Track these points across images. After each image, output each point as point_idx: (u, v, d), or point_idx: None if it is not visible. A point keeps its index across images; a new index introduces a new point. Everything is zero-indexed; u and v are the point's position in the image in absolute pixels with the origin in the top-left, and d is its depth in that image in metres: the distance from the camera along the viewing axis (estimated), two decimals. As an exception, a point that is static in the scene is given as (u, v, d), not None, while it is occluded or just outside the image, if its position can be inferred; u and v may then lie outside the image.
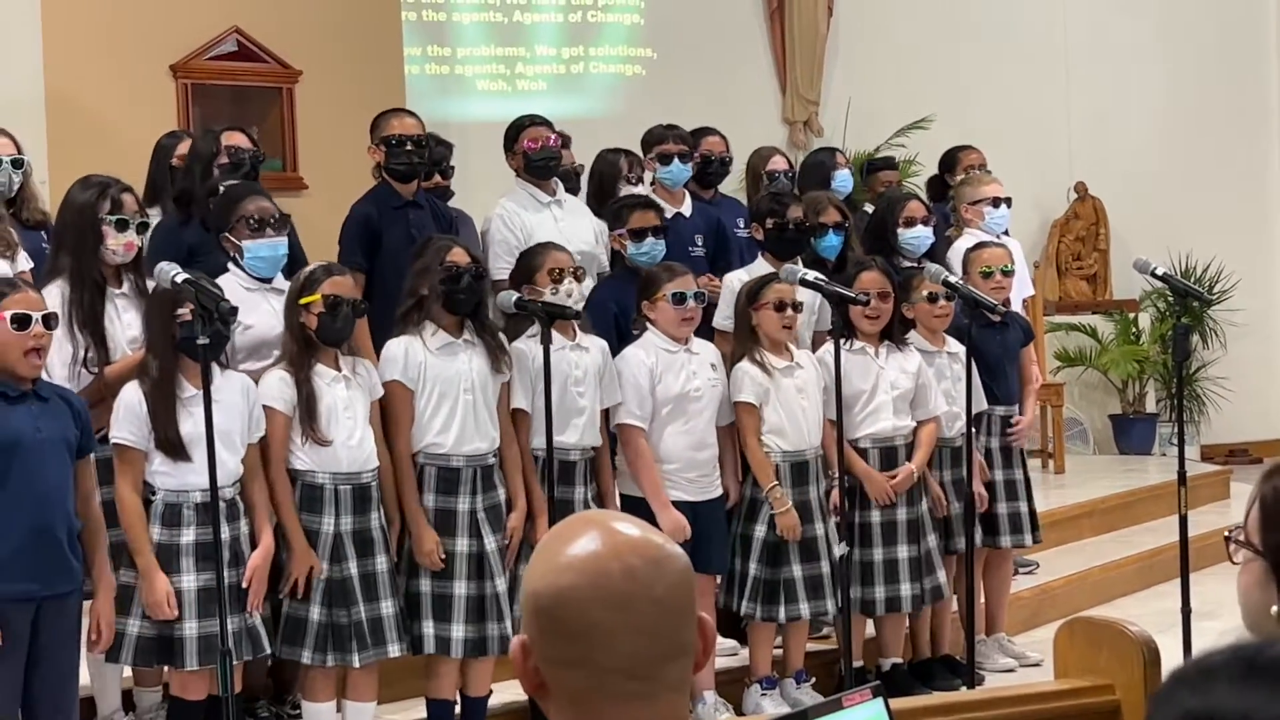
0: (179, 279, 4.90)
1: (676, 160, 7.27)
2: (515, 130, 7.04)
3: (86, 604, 5.05)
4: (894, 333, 6.57)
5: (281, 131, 9.71)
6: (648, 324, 6.18)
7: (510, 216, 6.86)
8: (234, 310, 5.00)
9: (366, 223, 6.49)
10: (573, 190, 7.45)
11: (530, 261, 6.06)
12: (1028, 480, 7.05)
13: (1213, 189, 13.68)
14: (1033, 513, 7.01)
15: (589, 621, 1.85)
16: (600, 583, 1.86)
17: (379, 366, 5.62)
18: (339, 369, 5.44)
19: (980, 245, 7.09)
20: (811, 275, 6.07)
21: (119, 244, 5.38)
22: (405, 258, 6.11)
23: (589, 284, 6.51)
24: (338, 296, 5.37)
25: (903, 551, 6.46)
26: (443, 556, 5.56)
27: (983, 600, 6.98)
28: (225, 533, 5.07)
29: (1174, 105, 13.66)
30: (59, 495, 4.81)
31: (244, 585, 5.18)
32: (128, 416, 5.11)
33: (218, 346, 5.06)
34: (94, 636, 5.05)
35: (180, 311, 5.04)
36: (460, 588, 5.58)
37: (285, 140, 9.70)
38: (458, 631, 5.57)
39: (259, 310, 5.55)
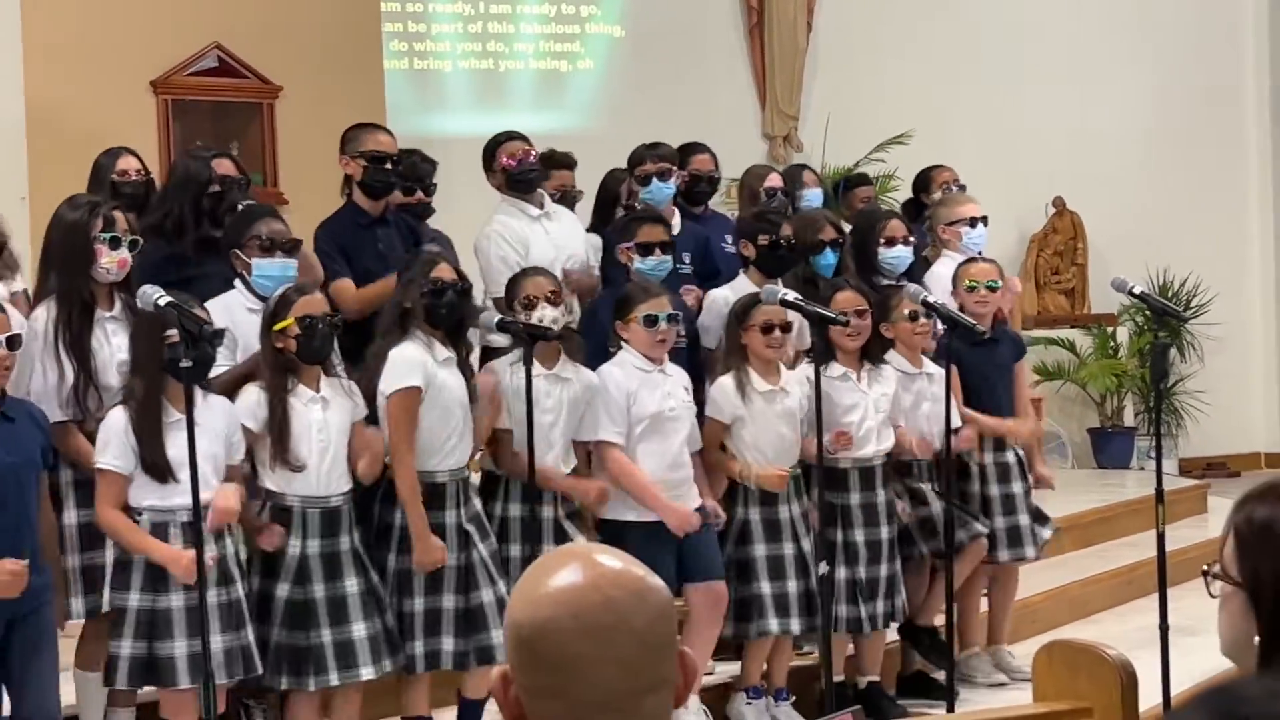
0: (162, 302, 4.88)
1: (656, 180, 7.23)
2: (492, 147, 7.04)
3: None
4: (873, 352, 6.53)
5: (262, 146, 9.73)
6: (623, 343, 6.15)
7: (505, 231, 6.84)
8: (220, 333, 5.00)
9: (335, 242, 6.46)
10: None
11: (510, 288, 6.05)
12: (1027, 492, 7.02)
13: (1190, 203, 13.73)
14: (1035, 522, 7.00)
15: (568, 653, 1.86)
16: (580, 614, 1.87)
17: (386, 374, 5.55)
18: (318, 390, 5.41)
19: (970, 260, 7.08)
20: (792, 295, 6.04)
21: (112, 262, 5.31)
22: (374, 275, 6.18)
23: (573, 303, 6.50)
24: (311, 316, 5.33)
25: (883, 570, 6.45)
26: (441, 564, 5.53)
27: (985, 611, 7.08)
28: (213, 552, 5.05)
29: (1151, 121, 13.72)
30: (25, 517, 4.79)
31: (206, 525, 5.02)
32: (113, 441, 5.07)
33: (202, 369, 5.04)
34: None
35: (169, 333, 4.97)
36: (449, 601, 5.58)
37: (266, 155, 9.72)
38: (448, 644, 5.56)
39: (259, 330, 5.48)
